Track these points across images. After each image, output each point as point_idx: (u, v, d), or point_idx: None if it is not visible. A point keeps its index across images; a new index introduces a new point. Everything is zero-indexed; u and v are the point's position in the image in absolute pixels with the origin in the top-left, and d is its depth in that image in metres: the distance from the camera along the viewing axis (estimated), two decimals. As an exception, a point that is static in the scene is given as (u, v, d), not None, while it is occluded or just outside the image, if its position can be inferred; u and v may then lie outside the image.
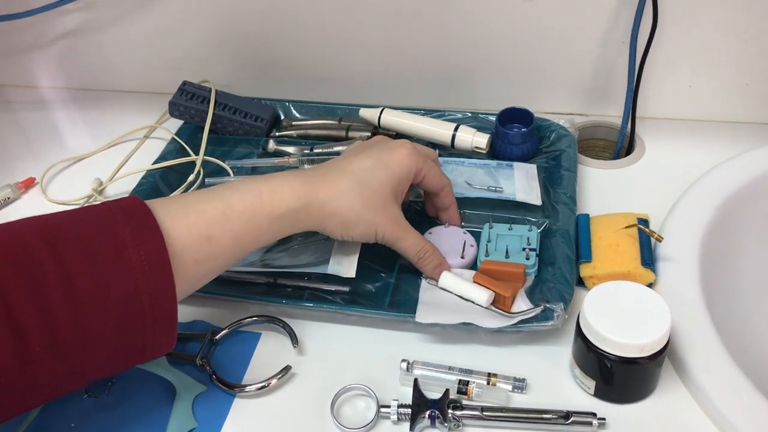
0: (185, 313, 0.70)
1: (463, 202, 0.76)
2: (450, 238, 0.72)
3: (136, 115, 0.97)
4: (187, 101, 0.90)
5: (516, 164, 0.82)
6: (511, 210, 0.77)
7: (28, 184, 0.88)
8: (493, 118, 0.86)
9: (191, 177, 0.83)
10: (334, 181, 0.63)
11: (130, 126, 0.95)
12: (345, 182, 0.63)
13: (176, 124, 0.94)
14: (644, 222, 0.72)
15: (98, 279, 0.50)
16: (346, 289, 0.70)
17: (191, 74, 0.95)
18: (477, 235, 0.74)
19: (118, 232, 0.51)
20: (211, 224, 0.57)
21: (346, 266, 0.70)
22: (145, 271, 0.51)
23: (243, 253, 0.60)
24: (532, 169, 0.81)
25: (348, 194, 0.63)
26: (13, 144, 0.97)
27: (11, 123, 1.01)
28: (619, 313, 0.58)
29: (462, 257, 0.70)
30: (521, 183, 0.79)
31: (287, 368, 0.64)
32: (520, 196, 0.77)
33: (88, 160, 0.92)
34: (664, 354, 0.58)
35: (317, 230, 0.63)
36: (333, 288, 0.70)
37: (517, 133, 0.82)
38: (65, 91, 1.05)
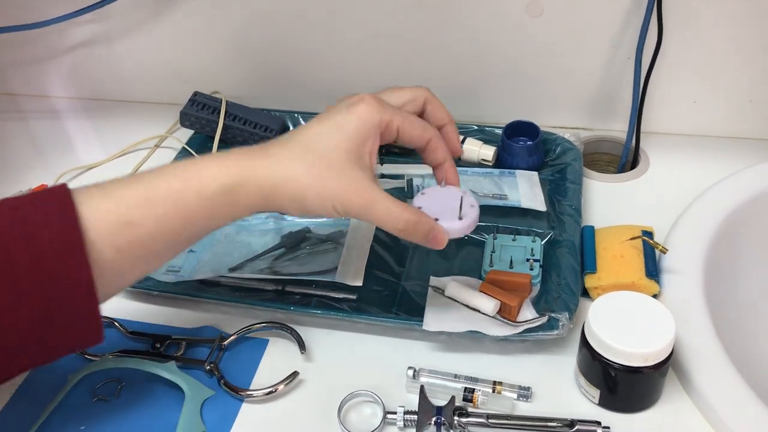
0: (194, 319, 0.71)
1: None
2: (446, 198, 0.61)
3: (147, 125, 0.99)
4: (198, 111, 0.91)
5: (518, 172, 0.83)
6: (516, 219, 0.78)
7: (40, 191, 0.89)
8: (499, 131, 0.87)
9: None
10: (277, 152, 0.55)
11: (141, 135, 0.96)
12: (288, 152, 0.55)
13: (186, 134, 0.95)
14: (649, 234, 0.72)
15: (8, 258, 0.47)
16: (353, 296, 0.71)
17: (201, 85, 0.96)
18: (481, 245, 0.75)
19: (33, 213, 0.48)
20: (132, 208, 0.51)
21: (353, 275, 0.71)
22: (55, 251, 0.48)
23: (178, 240, 0.54)
24: (534, 176, 0.82)
25: (291, 164, 0.54)
26: (25, 153, 0.98)
27: (23, 132, 1.03)
28: (623, 323, 0.59)
29: (459, 218, 0.58)
30: (525, 190, 0.80)
31: (294, 374, 0.64)
32: (525, 203, 0.78)
33: (99, 169, 0.93)
34: (668, 364, 0.59)
35: (271, 210, 0.56)
36: (340, 295, 0.71)
37: (523, 146, 0.83)
38: (77, 100, 1.07)
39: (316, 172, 0.54)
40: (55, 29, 0.96)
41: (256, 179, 0.54)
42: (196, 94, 0.93)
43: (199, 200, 0.53)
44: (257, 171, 0.54)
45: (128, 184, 0.52)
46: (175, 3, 0.94)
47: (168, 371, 0.65)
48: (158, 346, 0.68)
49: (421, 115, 0.61)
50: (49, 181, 0.91)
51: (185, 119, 0.92)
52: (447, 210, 0.59)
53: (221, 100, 0.92)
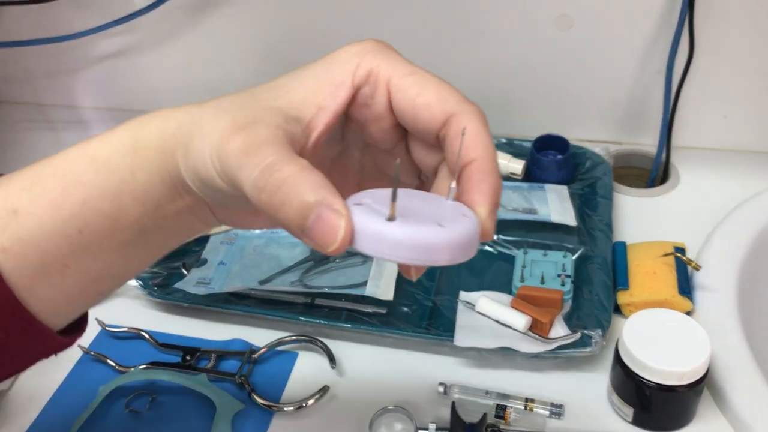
0: (224, 331, 0.71)
1: (497, 226, 0.77)
2: (431, 203, 0.36)
3: (174, 136, 0.99)
4: (226, 123, 0.92)
5: (548, 186, 0.82)
6: (546, 233, 0.77)
7: (69, 201, 0.90)
8: (528, 145, 0.86)
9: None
10: (203, 104, 0.39)
11: (169, 146, 0.97)
12: (214, 102, 0.39)
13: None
14: (681, 250, 0.72)
15: None
16: (383, 310, 0.70)
17: (229, 97, 0.96)
18: (511, 260, 0.74)
19: None
20: (18, 191, 0.38)
21: (383, 289, 0.71)
22: None
23: (89, 242, 0.38)
24: (563, 190, 0.82)
25: (203, 111, 0.38)
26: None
27: (53, 142, 1.03)
28: (658, 341, 0.58)
29: (440, 224, 0.33)
30: (555, 204, 0.80)
31: (325, 388, 0.64)
32: (555, 217, 0.78)
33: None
34: (704, 382, 0.58)
35: (187, 179, 0.38)
36: (370, 309, 0.70)
37: (552, 160, 0.83)
38: (105, 111, 1.07)
39: (218, 116, 0.36)
40: (84, 40, 0.97)
41: (160, 127, 0.39)
42: (224, 105, 0.93)
43: (93, 170, 0.38)
44: (165, 117, 0.39)
45: (25, 168, 0.39)
46: (203, 15, 0.95)
47: (199, 384, 0.65)
48: (188, 358, 0.68)
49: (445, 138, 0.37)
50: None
51: (214, 131, 0.92)
52: (426, 213, 0.35)
53: (249, 111, 0.92)
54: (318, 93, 0.37)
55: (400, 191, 0.34)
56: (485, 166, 0.35)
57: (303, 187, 0.32)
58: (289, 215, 0.32)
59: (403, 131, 0.39)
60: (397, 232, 0.32)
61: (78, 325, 0.43)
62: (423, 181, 0.42)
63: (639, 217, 0.81)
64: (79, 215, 0.38)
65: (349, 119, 0.39)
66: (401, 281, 0.72)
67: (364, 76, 0.37)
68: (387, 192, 0.35)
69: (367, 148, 0.41)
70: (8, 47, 0.99)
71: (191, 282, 0.74)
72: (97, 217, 0.38)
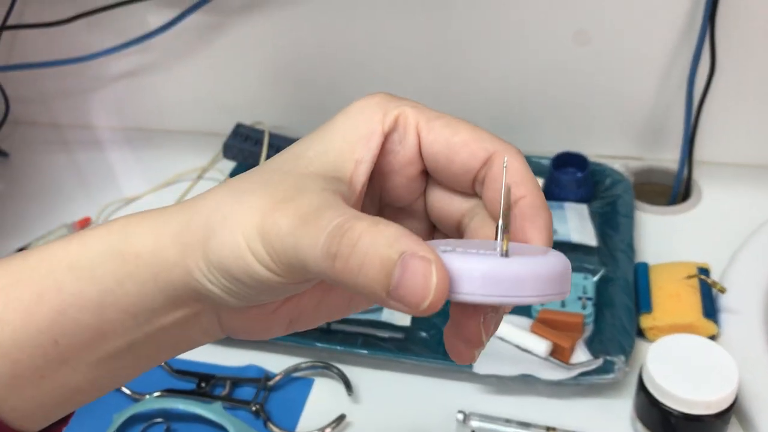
0: (238, 357, 0.70)
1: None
2: (484, 245, 0.32)
3: (190, 156, 0.99)
4: (241, 143, 0.91)
5: (567, 204, 0.81)
6: (566, 254, 0.75)
7: (84, 224, 0.90)
8: (546, 162, 0.85)
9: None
10: (205, 195, 0.33)
11: (183, 166, 0.96)
12: (222, 188, 0.33)
13: (228, 165, 0.95)
14: (705, 272, 0.70)
15: None
16: (400, 335, 0.69)
17: (244, 115, 0.96)
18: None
19: None
20: None
21: (400, 314, 0.69)
22: None
23: (56, 337, 0.32)
24: (583, 209, 0.80)
25: (216, 199, 0.32)
26: (70, 183, 0.99)
27: (68, 162, 1.03)
28: (684, 368, 0.57)
29: (502, 254, 0.30)
30: (574, 223, 0.78)
31: (342, 417, 0.63)
32: (575, 237, 0.76)
33: (143, 200, 0.93)
34: (732, 411, 0.56)
35: (206, 281, 0.32)
36: (387, 334, 0.69)
37: (572, 178, 0.81)
38: (120, 131, 1.07)
39: (244, 198, 0.31)
40: (99, 61, 0.97)
41: (154, 230, 0.33)
42: (239, 125, 0.93)
43: (71, 274, 0.32)
44: (156, 218, 0.33)
45: (22, 255, 0.34)
46: (217, 34, 0.94)
47: (214, 413, 0.64)
48: (203, 385, 0.68)
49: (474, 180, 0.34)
50: (93, 214, 0.91)
51: (228, 151, 0.92)
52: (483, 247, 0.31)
53: (264, 131, 0.92)
54: (351, 148, 0.33)
55: (440, 242, 0.31)
56: (537, 202, 0.32)
57: (382, 241, 0.27)
58: (370, 277, 0.27)
59: (424, 183, 0.36)
60: (514, 266, 0.28)
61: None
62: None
63: (661, 236, 0.80)
64: (56, 325, 0.32)
65: (369, 178, 0.35)
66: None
67: (392, 122, 0.34)
68: (462, 241, 0.33)
69: (382, 212, 0.38)
70: (25, 69, 0.99)
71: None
72: (76, 328, 0.32)
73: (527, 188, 0.32)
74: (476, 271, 0.28)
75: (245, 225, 0.30)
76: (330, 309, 0.37)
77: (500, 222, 0.30)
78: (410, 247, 0.27)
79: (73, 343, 0.33)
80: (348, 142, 0.33)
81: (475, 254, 0.28)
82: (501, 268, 0.28)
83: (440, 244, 0.31)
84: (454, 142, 0.33)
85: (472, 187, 0.34)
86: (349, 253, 0.27)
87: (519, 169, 0.32)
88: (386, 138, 0.34)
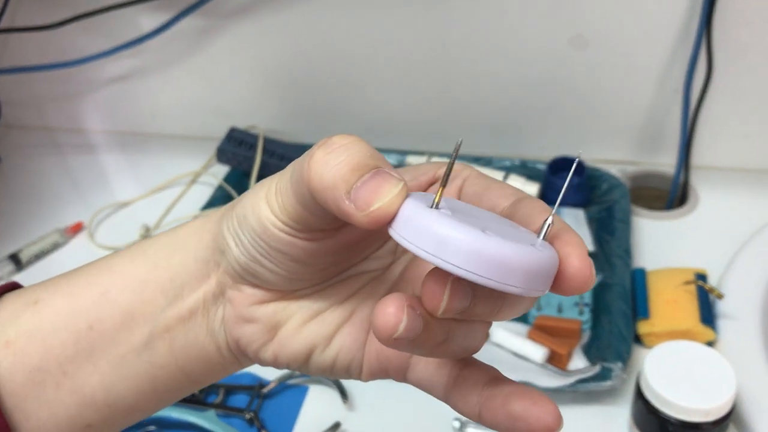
0: (233, 365, 0.70)
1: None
2: (502, 222, 0.31)
3: (183, 160, 0.98)
4: (235, 148, 0.90)
5: (563, 210, 0.80)
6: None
7: (76, 229, 0.89)
8: (542, 167, 0.84)
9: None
10: None
11: (177, 170, 0.96)
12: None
13: (222, 169, 0.94)
14: (702, 277, 0.70)
15: None
16: (395, 342, 0.68)
17: (238, 119, 0.95)
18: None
19: None
20: (48, 285, 0.37)
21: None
22: None
23: (92, 322, 0.35)
24: (579, 214, 0.80)
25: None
26: (63, 188, 0.98)
27: (61, 166, 1.02)
28: (681, 375, 0.56)
29: (536, 245, 0.28)
30: (570, 230, 0.78)
31: (337, 425, 0.62)
32: (572, 245, 0.76)
33: (136, 205, 0.92)
34: (730, 419, 0.56)
35: (229, 233, 0.34)
36: (382, 341, 0.69)
37: (568, 184, 0.81)
38: (113, 134, 1.06)
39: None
40: (91, 65, 0.96)
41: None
42: (233, 130, 0.92)
43: (124, 257, 0.37)
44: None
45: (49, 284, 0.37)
46: (211, 37, 0.94)
47: (208, 421, 0.63)
48: (197, 392, 0.67)
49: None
50: (86, 218, 0.90)
51: (222, 156, 0.91)
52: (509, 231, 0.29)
53: (258, 136, 0.91)
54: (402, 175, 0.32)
55: (486, 213, 0.30)
56: (566, 226, 0.31)
57: (368, 153, 0.29)
58: (341, 174, 0.28)
59: None
60: (543, 254, 0.27)
61: None
62: None
63: (658, 242, 0.79)
64: (95, 307, 0.35)
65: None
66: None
67: (447, 169, 0.32)
68: (475, 209, 0.31)
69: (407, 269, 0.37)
70: (17, 73, 0.99)
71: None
72: (112, 310, 0.35)
73: (555, 217, 0.30)
74: (417, 216, 0.27)
75: (268, 187, 0.32)
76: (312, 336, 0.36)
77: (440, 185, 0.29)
78: (388, 167, 0.29)
79: (104, 330, 0.35)
80: (401, 172, 0.35)
81: (463, 224, 0.26)
82: (479, 243, 0.26)
83: (449, 201, 0.29)
84: (491, 186, 0.34)
85: None
86: (335, 149, 0.29)
87: (547, 209, 0.32)
88: (438, 179, 0.35)
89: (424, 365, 0.35)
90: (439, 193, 0.28)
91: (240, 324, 0.35)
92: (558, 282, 0.29)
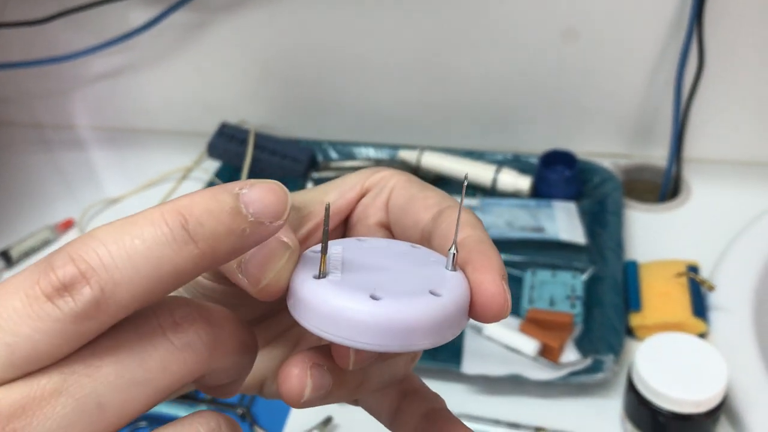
0: (224, 360, 0.69)
1: (503, 245, 0.74)
2: (404, 260, 0.29)
3: (174, 155, 0.97)
4: (226, 143, 0.90)
5: (555, 203, 0.80)
6: (554, 253, 0.75)
7: (66, 225, 0.88)
8: (534, 161, 0.84)
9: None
10: None
11: (167, 166, 0.95)
12: None
13: (213, 164, 0.93)
14: (694, 269, 0.70)
15: None
16: (387, 336, 0.68)
17: (228, 114, 0.95)
18: (519, 282, 0.72)
19: None
20: None
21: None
22: None
23: None
24: (571, 207, 0.80)
25: None
26: (52, 184, 0.97)
27: (50, 163, 1.02)
28: (673, 367, 0.56)
29: (437, 294, 0.26)
30: (563, 222, 0.77)
31: (329, 419, 0.62)
32: (564, 236, 0.76)
33: (126, 201, 0.92)
34: (721, 410, 0.56)
35: None
36: (374, 335, 0.68)
37: (560, 176, 0.81)
38: (103, 131, 1.06)
39: None
40: (81, 60, 0.96)
41: None
42: (224, 125, 0.92)
43: None
44: None
45: None
46: (201, 32, 0.93)
47: (198, 416, 0.63)
48: (187, 388, 0.67)
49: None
50: (76, 215, 0.89)
51: (213, 151, 0.91)
52: (409, 279, 0.27)
53: (249, 131, 0.91)
54: (327, 193, 0.34)
55: (346, 241, 0.29)
56: (483, 237, 0.29)
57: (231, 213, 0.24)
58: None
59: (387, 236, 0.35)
60: (445, 300, 0.25)
61: None
62: None
63: (650, 234, 0.79)
64: None
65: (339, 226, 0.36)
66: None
67: (375, 182, 0.34)
68: (372, 244, 0.30)
69: None
70: (5, 69, 0.98)
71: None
72: None
73: (473, 230, 0.29)
74: (302, 289, 0.26)
75: None
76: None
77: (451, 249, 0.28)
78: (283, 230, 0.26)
79: None
80: (329, 188, 0.34)
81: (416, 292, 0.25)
82: (365, 314, 0.24)
83: (343, 244, 0.29)
84: (415, 196, 0.32)
85: (421, 241, 0.32)
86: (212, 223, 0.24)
87: (469, 218, 0.30)
88: (366, 193, 0.34)
89: (370, 394, 0.34)
90: (322, 261, 0.26)
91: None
92: (472, 311, 0.27)
